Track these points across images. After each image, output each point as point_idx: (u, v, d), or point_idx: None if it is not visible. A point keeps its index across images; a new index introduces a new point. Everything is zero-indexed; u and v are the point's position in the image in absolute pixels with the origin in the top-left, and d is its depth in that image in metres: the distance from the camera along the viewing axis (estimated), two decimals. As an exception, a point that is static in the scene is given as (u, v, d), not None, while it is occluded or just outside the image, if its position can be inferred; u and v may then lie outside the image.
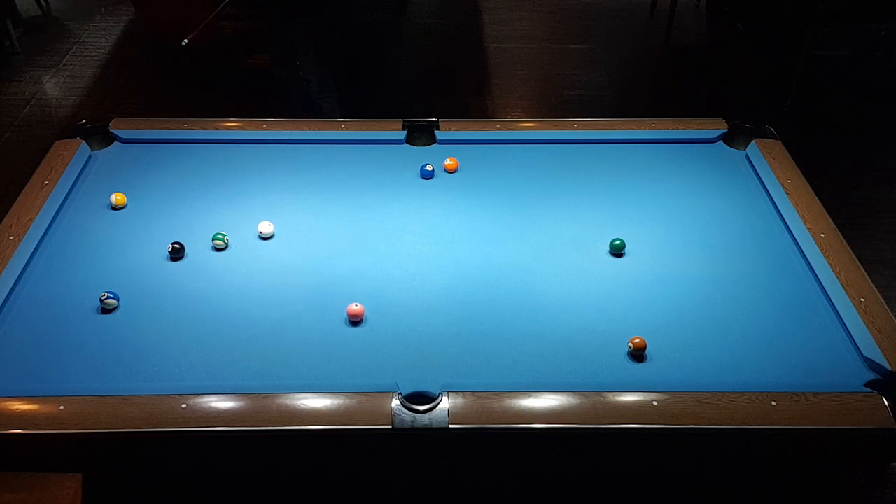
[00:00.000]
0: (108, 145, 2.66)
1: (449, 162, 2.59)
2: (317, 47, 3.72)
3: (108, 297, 2.02)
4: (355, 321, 2.02)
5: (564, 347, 1.95)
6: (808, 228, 2.28)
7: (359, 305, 2.02)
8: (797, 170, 2.54)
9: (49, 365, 1.88)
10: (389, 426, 1.72)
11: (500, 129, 2.78)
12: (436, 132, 2.72)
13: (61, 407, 1.73)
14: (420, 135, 2.72)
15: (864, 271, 2.14)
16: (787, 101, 4.55)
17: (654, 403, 1.76)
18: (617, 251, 2.25)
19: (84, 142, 2.60)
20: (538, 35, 5.49)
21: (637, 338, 1.93)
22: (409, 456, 1.88)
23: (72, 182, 2.45)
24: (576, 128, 2.79)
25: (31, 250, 2.18)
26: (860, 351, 1.93)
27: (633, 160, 2.65)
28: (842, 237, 2.26)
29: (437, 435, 1.72)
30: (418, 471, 2.10)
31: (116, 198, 2.39)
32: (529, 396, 1.78)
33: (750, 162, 2.63)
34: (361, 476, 2.17)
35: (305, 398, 1.77)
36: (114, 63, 5.02)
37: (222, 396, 1.77)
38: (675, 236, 2.33)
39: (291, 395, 1.77)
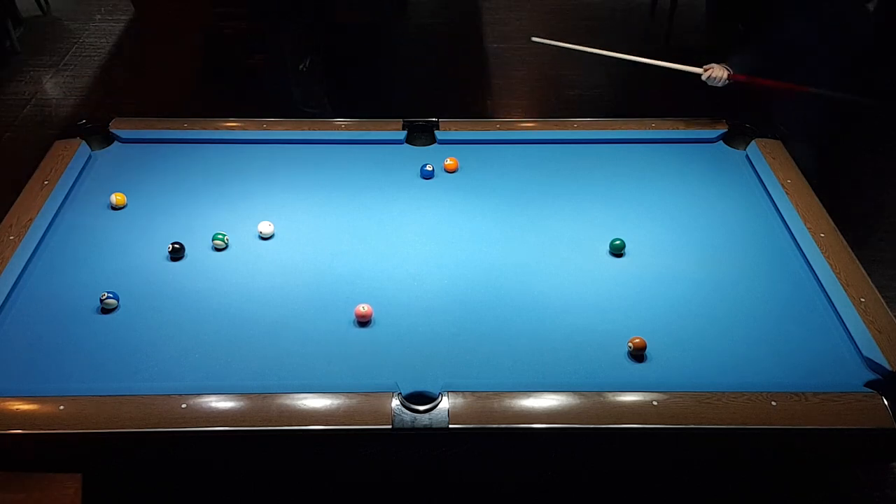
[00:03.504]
0: (108, 145, 2.66)
1: (449, 162, 2.58)
2: (299, 54, 3.71)
3: (108, 297, 2.02)
4: (363, 321, 2.01)
5: (564, 347, 1.95)
6: (808, 228, 2.28)
7: (367, 307, 2.01)
8: (797, 170, 2.53)
9: (49, 365, 1.88)
10: (389, 426, 1.72)
11: (500, 129, 2.77)
12: (436, 132, 2.72)
13: (61, 407, 1.73)
14: (420, 135, 2.72)
15: (864, 271, 2.14)
16: (786, 100, 4.54)
17: (654, 403, 1.76)
18: (617, 251, 2.25)
19: (84, 142, 2.59)
20: (538, 35, 5.48)
21: (637, 338, 1.93)
22: (409, 456, 1.88)
23: (72, 182, 2.45)
24: (576, 128, 2.79)
25: (31, 250, 2.18)
26: (860, 351, 1.92)
27: (633, 160, 2.65)
28: (842, 237, 2.26)
29: (437, 435, 1.72)
30: (418, 471, 2.10)
31: (116, 198, 2.38)
32: (529, 396, 1.78)
33: (750, 162, 2.63)
34: (361, 476, 2.17)
35: (305, 398, 1.77)
36: (114, 63, 5.02)
37: (222, 396, 1.77)
38: (675, 236, 2.33)
39: (291, 395, 1.77)
